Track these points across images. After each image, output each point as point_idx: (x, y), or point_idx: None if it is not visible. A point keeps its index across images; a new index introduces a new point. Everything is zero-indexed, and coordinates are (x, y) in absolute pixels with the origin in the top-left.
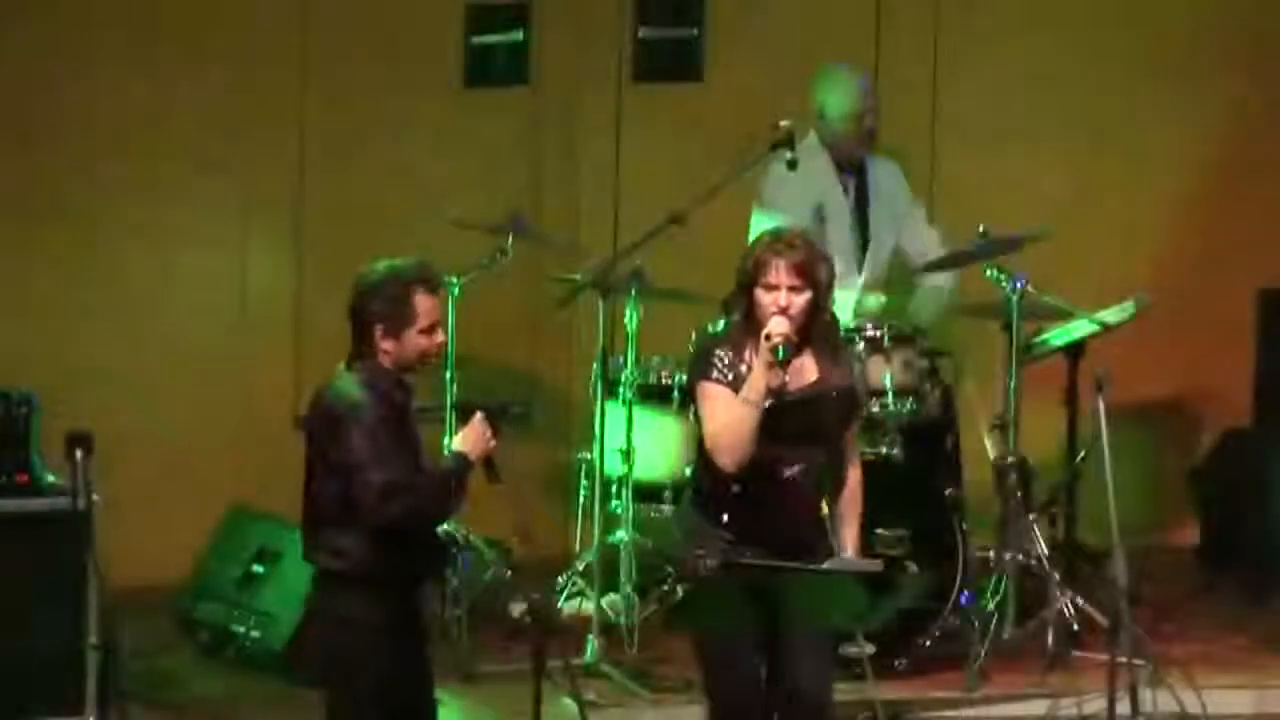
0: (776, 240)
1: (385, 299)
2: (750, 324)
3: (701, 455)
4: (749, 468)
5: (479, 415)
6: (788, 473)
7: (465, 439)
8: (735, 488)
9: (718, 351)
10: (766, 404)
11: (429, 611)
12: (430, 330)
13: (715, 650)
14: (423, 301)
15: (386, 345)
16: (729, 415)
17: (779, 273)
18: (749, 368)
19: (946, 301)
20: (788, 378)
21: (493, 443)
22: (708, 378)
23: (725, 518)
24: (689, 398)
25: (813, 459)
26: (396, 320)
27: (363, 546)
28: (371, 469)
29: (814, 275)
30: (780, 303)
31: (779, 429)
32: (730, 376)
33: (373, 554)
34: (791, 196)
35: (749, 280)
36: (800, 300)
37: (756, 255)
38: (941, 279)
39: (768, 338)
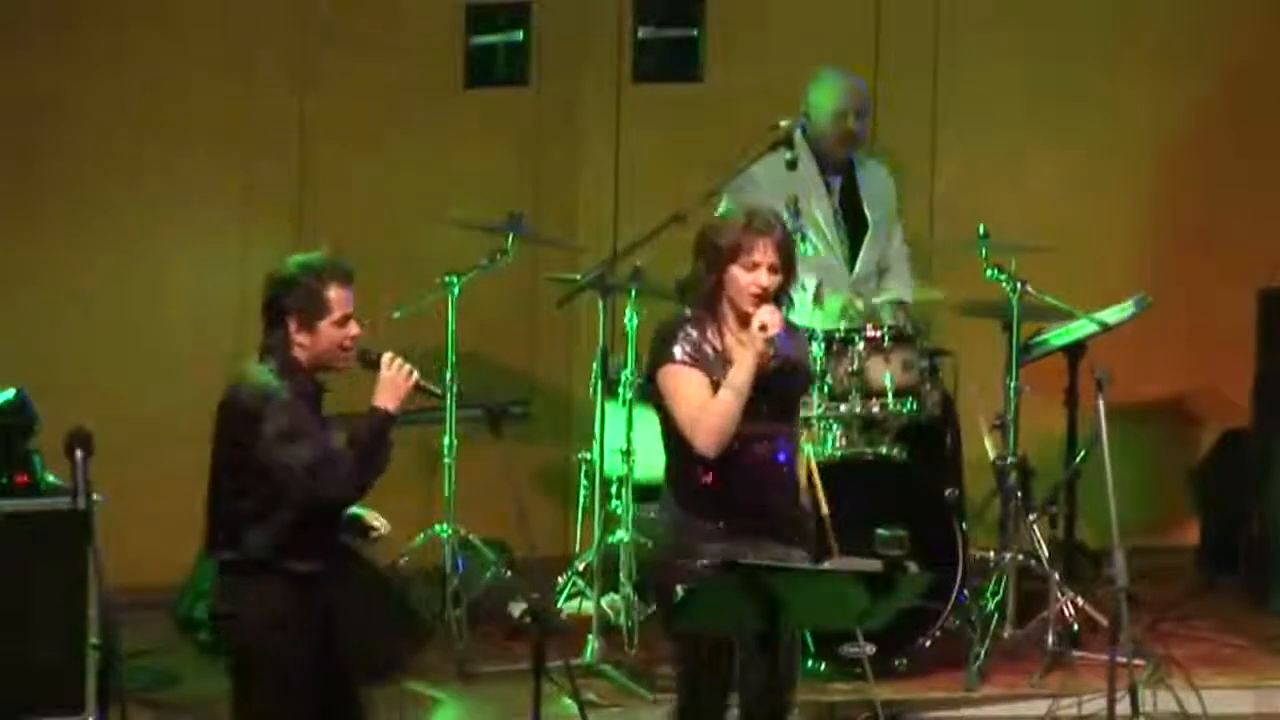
0: (755, 219)
1: (299, 292)
2: (718, 304)
3: (675, 446)
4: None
5: (386, 358)
6: (760, 450)
7: (382, 391)
8: (711, 474)
9: (681, 332)
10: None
11: (348, 605)
12: (343, 322)
13: (696, 650)
14: (337, 294)
15: (301, 339)
16: (711, 401)
17: (766, 251)
18: (713, 349)
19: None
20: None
21: (413, 378)
22: (673, 359)
23: (709, 506)
24: (649, 382)
25: (784, 434)
26: (310, 313)
27: (270, 539)
28: (298, 446)
29: (791, 258)
30: (762, 282)
31: (750, 409)
32: (696, 358)
33: (277, 547)
34: (764, 190)
35: (723, 259)
36: (777, 281)
37: (738, 236)
38: (896, 289)
39: (763, 328)
